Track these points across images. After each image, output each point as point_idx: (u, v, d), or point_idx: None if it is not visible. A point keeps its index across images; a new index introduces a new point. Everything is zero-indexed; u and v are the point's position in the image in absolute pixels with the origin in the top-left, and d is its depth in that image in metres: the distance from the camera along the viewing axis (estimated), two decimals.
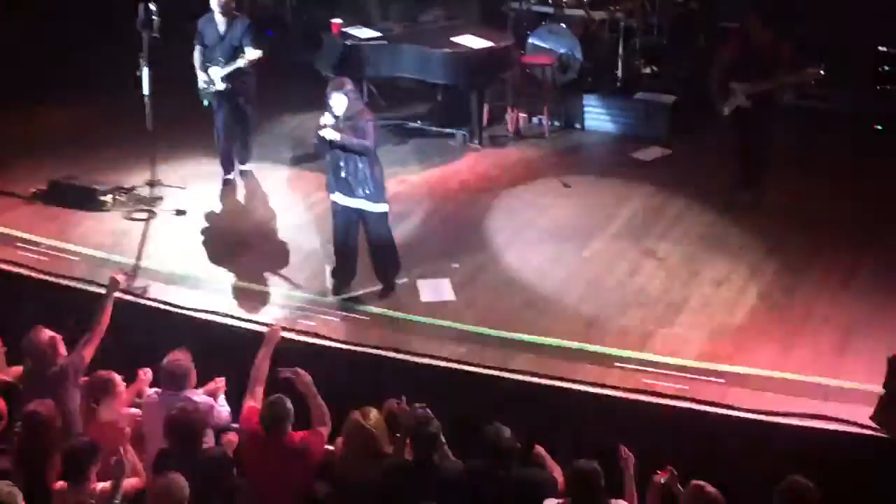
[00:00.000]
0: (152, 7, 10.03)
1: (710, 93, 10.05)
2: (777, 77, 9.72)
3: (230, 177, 10.62)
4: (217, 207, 10.22)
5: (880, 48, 11.96)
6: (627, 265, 9.15)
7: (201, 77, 10.30)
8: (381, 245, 8.58)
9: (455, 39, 11.40)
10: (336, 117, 8.18)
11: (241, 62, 10.15)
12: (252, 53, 10.12)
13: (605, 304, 8.57)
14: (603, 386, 7.52)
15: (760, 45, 9.76)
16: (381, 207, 8.43)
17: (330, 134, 8.14)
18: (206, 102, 10.48)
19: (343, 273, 8.72)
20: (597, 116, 11.90)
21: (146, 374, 7.41)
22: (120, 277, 7.85)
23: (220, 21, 10.23)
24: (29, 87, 12.20)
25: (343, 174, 8.28)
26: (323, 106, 8.28)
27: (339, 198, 8.41)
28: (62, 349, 7.11)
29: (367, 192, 8.31)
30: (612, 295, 8.71)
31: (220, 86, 10.24)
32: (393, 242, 8.67)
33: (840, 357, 7.80)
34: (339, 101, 8.15)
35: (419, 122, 12.00)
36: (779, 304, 8.55)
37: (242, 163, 10.85)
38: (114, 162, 10.93)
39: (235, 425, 7.08)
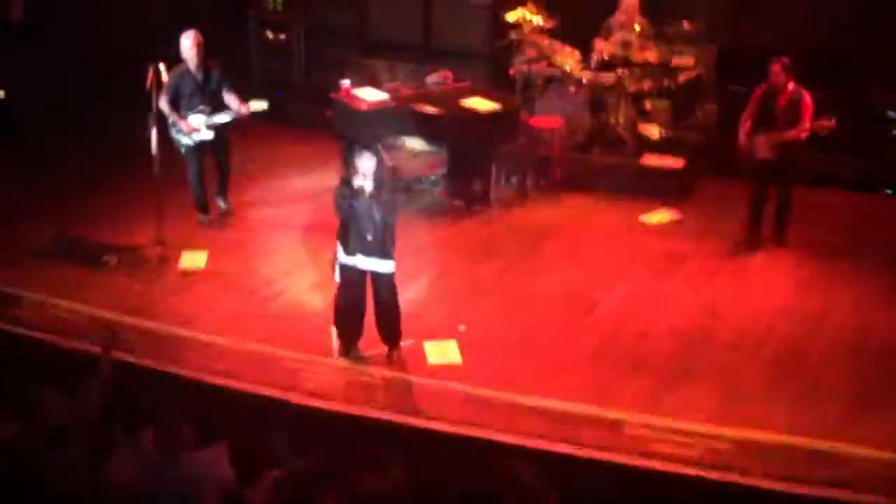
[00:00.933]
0: (162, 68, 10.13)
1: (737, 145, 10.27)
2: (798, 127, 9.85)
3: (206, 219, 10.72)
4: (221, 267, 10.15)
5: (889, 113, 11.95)
6: (636, 328, 9.06)
7: (181, 125, 10.43)
8: (390, 305, 8.53)
9: (463, 102, 11.41)
10: (364, 183, 8.14)
11: (242, 112, 10.37)
12: (256, 104, 10.35)
13: (613, 367, 8.47)
14: (611, 451, 7.39)
15: (782, 93, 9.94)
16: (392, 267, 8.42)
17: (367, 205, 8.12)
18: (182, 150, 10.63)
19: (350, 333, 8.64)
20: (605, 179, 11.86)
21: (149, 433, 7.29)
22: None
23: (196, 71, 10.37)
24: (33, 145, 12.25)
25: (365, 235, 8.25)
26: (341, 166, 8.33)
27: (357, 259, 8.36)
28: (62, 405, 7.00)
29: (383, 252, 8.32)
30: (620, 359, 8.62)
31: (207, 134, 10.41)
32: (398, 304, 8.60)
33: (853, 423, 7.67)
34: (370, 162, 8.13)
35: (427, 183, 11.97)
36: (790, 368, 8.44)
37: (225, 201, 11.16)
38: (120, 220, 10.94)
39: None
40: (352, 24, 13.96)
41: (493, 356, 8.68)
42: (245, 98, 10.59)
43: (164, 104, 10.34)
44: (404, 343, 8.67)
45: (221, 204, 11.20)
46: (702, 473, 7.20)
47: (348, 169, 8.27)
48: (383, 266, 8.36)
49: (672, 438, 7.55)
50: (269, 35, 14.20)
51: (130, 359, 8.40)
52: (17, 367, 8.43)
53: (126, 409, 7.44)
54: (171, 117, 10.45)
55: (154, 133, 10.14)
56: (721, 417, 7.76)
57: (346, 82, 11.98)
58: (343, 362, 8.55)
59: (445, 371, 8.44)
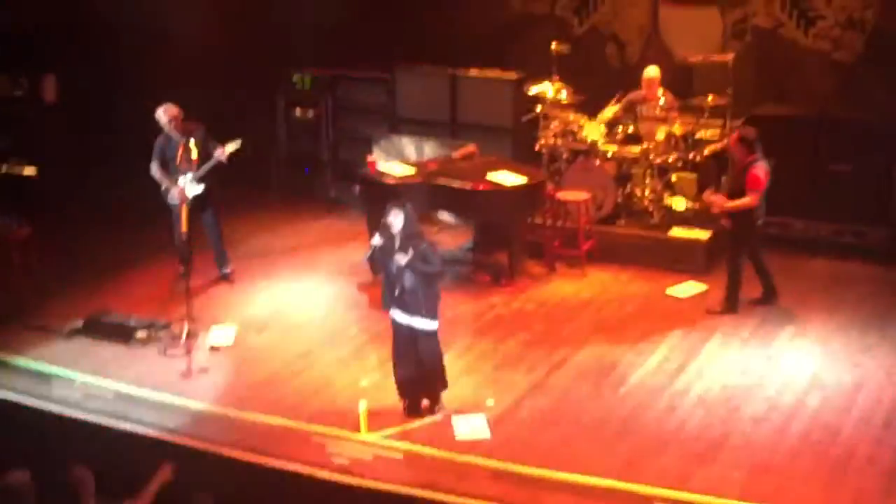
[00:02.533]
0: (191, 143, 10.51)
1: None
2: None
3: (189, 270, 10.81)
4: (250, 342, 10.19)
5: None
6: (665, 402, 9.02)
7: (173, 192, 10.92)
8: (431, 361, 8.69)
9: (490, 176, 11.49)
10: (392, 237, 8.38)
11: (220, 156, 10.82)
12: (231, 146, 10.83)
13: (642, 442, 8.42)
14: None
15: (738, 163, 10.40)
16: (434, 325, 8.59)
17: (402, 260, 8.32)
18: (174, 209, 10.99)
19: (410, 391, 8.79)
20: (632, 252, 11.87)
21: None
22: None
23: (176, 136, 10.86)
24: (64, 221, 12.42)
25: (399, 293, 8.45)
26: (372, 233, 8.59)
27: (395, 313, 8.57)
28: (92, 489, 7.01)
29: (423, 311, 8.48)
30: (649, 432, 8.56)
31: (197, 189, 10.84)
32: (442, 360, 8.78)
33: (886, 499, 7.58)
34: (397, 218, 8.37)
35: (455, 257, 12.02)
36: (821, 442, 8.36)
37: (225, 267, 11.47)
38: (150, 297, 11.07)
39: None
40: (379, 101, 14.13)
41: (521, 430, 8.65)
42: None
43: (154, 170, 10.99)
44: (432, 418, 8.67)
45: (225, 271, 11.48)
46: None
47: (383, 228, 8.51)
48: (419, 323, 8.52)
49: None
50: (298, 112, 14.39)
51: (160, 435, 8.42)
52: (49, 444, 8.50)
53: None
54: (163, 183, 11.01)
55: (184, 212, 10.40)
56: (751, 493, 7.67)
57: (373, 158, 12.10)
58: (371, 438, 8.52)
59: (474, 446, 8.41)
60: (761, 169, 10.26)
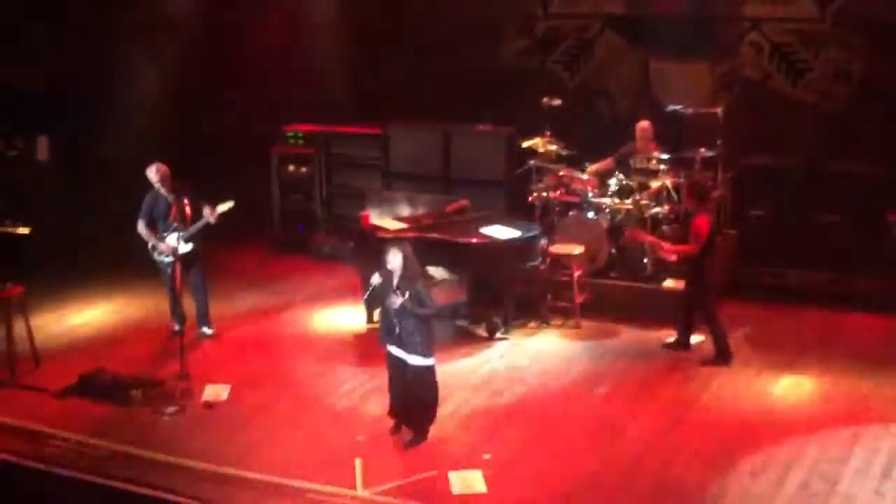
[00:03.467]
0: (185, 202, 10.57)
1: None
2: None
3: (183, 328, 10.98)
4: (243, 399, 10.15)
5: None
6: (662, 455, 8.98)
7: (161, 248, 11.02)
8: (423, 397, 8.92)
9: (483, 230, 11.53)
10: (391, 278, 8.62)
11: (211, 218, 10.91)
12: (222, 206, 10.88)
13: (640, 495, 8.37)
14: None
15: (685, 213, 10.80)
16: (430, 361, 8.85)
17: (397, 301, 8.57)
18: (162, 267, 11.17)
19: (411, 423, 9.07)
20: (626, 304, 11.88)
21: None
22: None
23: (166, 193, 10.96)
24: (56, 280, 12.42)
25: (396, 331, 8.73)
26: (366, 289, 9.02)
27: (394, 350, 8.88)
28: None
29: (418, 348, 8.74)
30: (647, 487, 8.52)
31: (185, 248, 10.91)
32: (436, 396, 9.01)
33: None
34: (395, 258, 8.63)
35: (448, 312, 12.02)
36: (819, 494, 8.32)
37: (207, 326, 11.49)
38: (143, 356, 11.05)
39: None
40: (372, 157, 14.20)
41: (518, 485, 8.59)
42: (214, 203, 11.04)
43: (141, 228, 11.10)
44: (428, 474, 8.62)
45: (206, 331, 11.49)
46: None
47: (382, 268, 8.78)
48: (415, 360, 8.78)
49: None
50: (291, 168, 14.45)
51: (156, 494, 8.36)
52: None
53: None
54: (150, 240, 11.12)
55: (177, 269, 10.48)
56: None
57: (366, 213, 12.14)
58: (367, 494, 8.47)
59: (470, 501, 8.35)
60: (704, 220, 10.43)
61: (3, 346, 10.67)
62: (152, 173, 10.99)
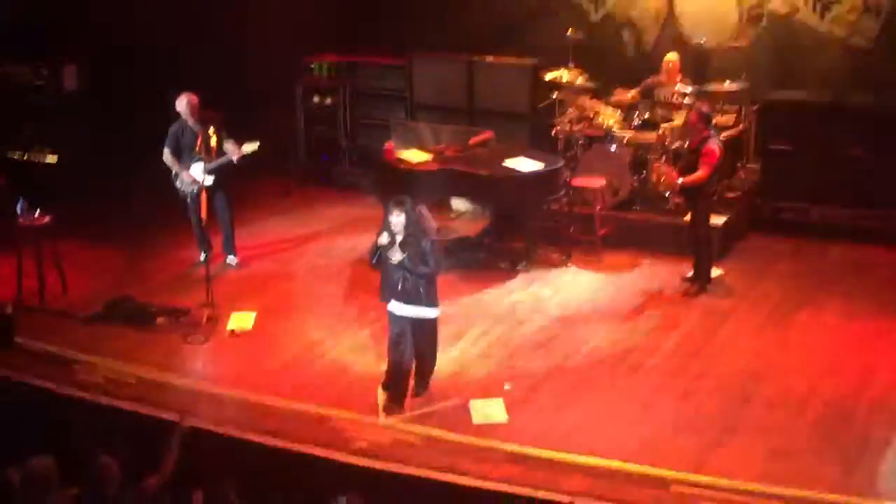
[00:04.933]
0: (210, 132, 10.70)
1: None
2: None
3: (208, 257, 11.14)
4: (268, 328, 10.29)
5: None
6: (681, 386, 9.07)
7: (184, 176, 11.10)
8: (430, 348, 8.78)
9: (506, 163, 11.54)
10: (394, 235, 8.36)
11: (234, 156, 10.93)
12: (248, 146, 10.88)
13: (659, 426, 8.48)
14: None
15: (694, 139, 10.70)
16: (435, 312, 8.69)
17: (396, 257, 8.33)
18: (187, 198, 11.23)
19: (396, 387, 8.75)
20: (647, 237, 11.91)
21: (198, 496, 7.38)
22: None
23: (193, 124, 10.99)
24: (84, 209, 12.55)
25: (400, 287, 8.48)
26: (380, 225, 8.45)
27: (396, 306, 8.58)
28: (117, 474, 7.09)
29: (424, 300, 8.54)
30: (666, 416, 8.63)
31: (208, 180, 10.98)
32: (436, 349, 8.86)
33: None
34: (397, 222, 8.35)
35: (472, 243, 12.09)
36: (836, 426, 8.41)
37: (233, 255, 11.58)
38: (170, 283, 11.20)
39: None
40: (396, 88, 14.18)
41: (538, 415, 8.72)
42: (240, 142, 11.05)
43: (166, 156, 11.15)
44: (451, 402, 8.74)
45: (231, 260, 11.57)
46: None
47: (385, 223, 8.48)
48: (422, 312, 8.58)
49: (718, 496, 7.53)
50: (316, 99, 14.46)
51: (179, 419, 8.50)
52: (72, 429, 8.60)
53: (176, 472, 7.57)
54: (174, 168, 11.18)
55: (203, 198, 10.59)
56: (767, 476, 7.73)
57: (390, 145, 12.16)
58: (388, 421, 8.61)
59: (491, 430, 8.49)
60: (716, 144, 10.52)
61: (32, 272, 10.81)
62: (181, 103, 11.04)
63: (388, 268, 8.51)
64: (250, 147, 10.99)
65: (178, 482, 7.47)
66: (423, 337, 8.70)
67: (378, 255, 8.53)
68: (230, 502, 6.85)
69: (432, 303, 8.61)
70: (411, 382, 8.83)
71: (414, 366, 8.77)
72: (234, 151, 10.97)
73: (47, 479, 6.93)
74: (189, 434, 7.38)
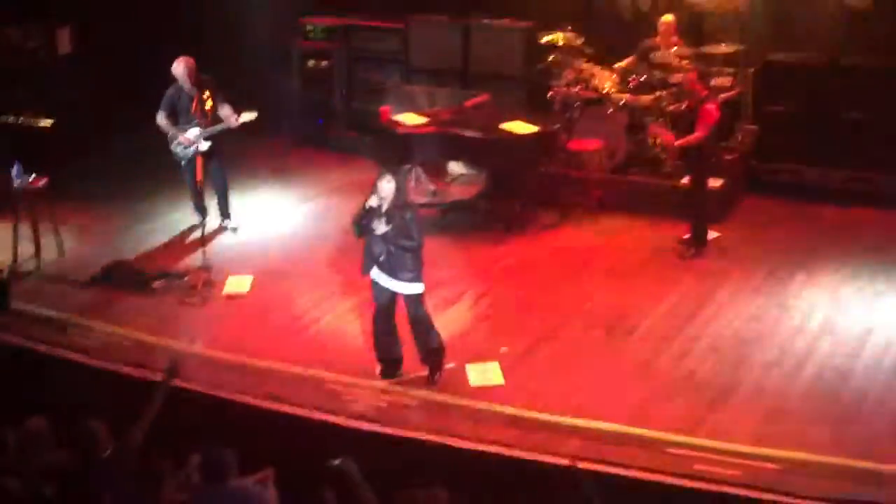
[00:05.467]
0: (206, 96, 10.68)
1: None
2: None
3: (204, 220, 11.10)
4: (264, 291, 10.29)
5: None
6: (676, 348, 9.09)
7: (180, 139, 11.08)
8: (422, 325, 8.60)
9: (502, 125, 11.51)
10: (381, 201, 8.26)
11: (233, 123, 10.97)
12: (246, 116, 10.96)
13: (654, 388, 8.50)
14: (653, 471, 7.42)
15: (691, 100, 10.69)
16: (419, 288, 8.48)
17: (380, 228, 8.24)
18: (182, 162, 11.24)
19: (387, 356, 8.73)
20: (644, 200, 11.89)
21: (195, 459, 7.40)
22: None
23: (189, 88, 10.96)
24: (79, 174, 12.53)
25: (382, 258, 8.36)
26: (370, 191, 8.39)
27: (379, 276, 8.46)
28: (107, 438, 7.09)
29: (407, 275, 8.39)
30: (661, 378, 8.65)
31: (204, 146, 11.01)
32: (432, 324, 8.66)
33: None
34: (387, 189, 8.24)
35: (467, 206, 12.07)
36: (831, 387, 8.44)
37: (228, 217, 11.60)
38: (166, 247, 11.21)
39: None
40: (392, 51, 14.11)
41: (534, 377, 8.74)
42: (238, 110, 11.10)
43: (161, 119, 11.15)
44: (448, 366, 8.74)
45: (227, 224, 11.60)
46: (745, 493, 7.20)
47: (373, 190, 8.35)
48: (405, 288, 8.44)
49: (715, 458, 7.56)
50: (311, 63, 14.38)
51: (176, 383, 8.52)
52: (67, 391, 8.63)
53: (172, 435, 7.59)
54: (170, 132, 11.17)
55: (198, 162, 10.58)
56: (762, 438, 7.77)
57: (386, 108, 12.12)
58: (384, 384, 8.63)
59: (488, 392, 8.51)
60: (713, 105, 10.56)
61: (29, 237, 10.81)
62: (178, 67, 11.02)
63: (372, 239, 8.37)
64: (248, 116, 11.03)
65: (175, 446, 7.51)
66: (411, 314, 8.54)
67: (362, 227, 8.38)
68: (227, 465, 6.85)
69: (416, 279, 8.42)
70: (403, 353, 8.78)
71: (417, 348, 8.68)
72: (232, 119, 10.97)
73: (40, 440, 6.96)
74: (172, 388, 7.36)
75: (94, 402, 7.76)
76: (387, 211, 8.26)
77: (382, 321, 8.61)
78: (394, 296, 8.50)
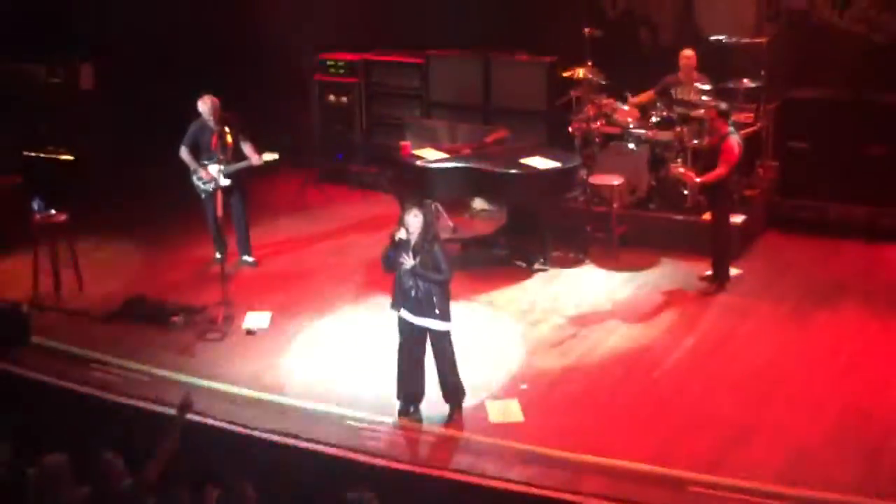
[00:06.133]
0: (226, 130, 10.72)
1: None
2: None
3: (222, 259, 10.98)
4: (284, 327, 10.27)
5: None
6: (698, 386, 9.02)
7: (201, 174, 11.17)
8: (448, 364, 8.54)
9: (523, 160, 11.50)
10: (409, 238, 8.23)
11: (255, 162, 11.07)
12: (269, 156, 11.09)
13: (676, 426, 8.42)
14: None
15: (713, 136, 10.80)
16: (448, 326, 8.44)
17: (408, 263, 8.21)
18: (202, 195, 11.30)
19: (407, 393, 8.68)
20: (665, 236, 11.85)
21: (214, 494, 7.36)
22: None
23: (212, 124, 11.04)
24: (100, 207, 12.58)
25: (413, 294, 8.32)
26: (395, 225, 8.37)
27: (407, 315, 8.43)
28: (123, 473, 7.06)
29: (436, 311, 8.34)
30: (683, 416, 8.57)
31: (224, 182, 11.04)
32: (455, 361, 8.60)
33: None
34: (415, 223, 8.23)
35: (488, 242, 12.04)
36: (856, 425, 8.34)
37: (248, 254, 11.64)
38: (186, 282, 11.23)
39: None
40: (412, 86, 14.15)
41: (555, 414, 8.68)
42: (261, 150, 11.15)
43: (184, 153, 11.23)
44: (465, 403, 8.68)
45: (248, 259, 11.63)
46: None
47: (399, 224, 8.34)
48: (433, 325, 8.39)
49: (736, 497, 7.47)
50: (332, 98, 14.43)
51: (195, 418, 8.50)
52: (87, 427, 8.60)
53: (191, 470, 7.56)
54: (192, 165, 11.24)
55: (219, 197, 10.61)
56: (786, 476, 7.68)
57: (406, 143, 12.14)
58: (404, 422, 8.58)
59: (508, 429, 8.45)
60: (736, 141, 10.52)
61: (48, 271, 10.83)
62: (204, 105, 11.10)
63: (401, 274, 8.35)
64: (270, 156, 11.13)
65: (194, 480, 7.47)
66: (437, 351, 8.49)
67: (390, 262, 8.38)
68: (247, 498, 6.81)
69: (444, 316, 8.37)
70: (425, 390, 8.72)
71: (439, 386, 8.62)
72: (255, 158, 11.06)
73: (60, 477, 6.93)
74: (188, 423, 7.31)
75: (113, 436, 7.72)
76: (414, 246, 8.24)
77: (408, 356, 8.57)
78: (422, 331, 8.46)
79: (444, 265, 8.29)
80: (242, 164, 11.11)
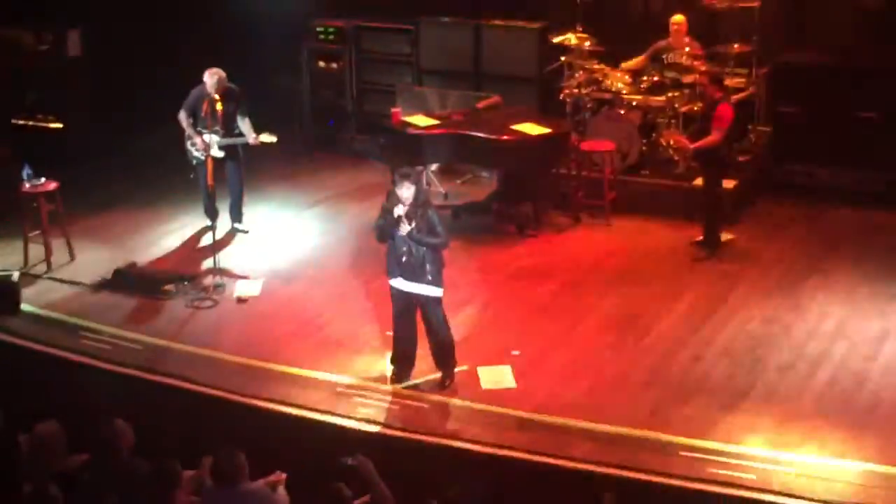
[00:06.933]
0: (216, 97, 10.58)
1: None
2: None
3: (215, 223, 10.93)
4: (275, 294, 10.26)
5: None
6: (689, 351, 9.03)
7: (196, 141, 11.10)
8: (440, 330, 8.55)
9: (514, 127, 11.47)
10: (404, 206, 8.21)
11: (251, 141, 11.02)
12: (265, 137, 10.97)
13: (667, 392, 8.44)
14: (667, 475, 7.37)
15: (705, 101, 10.80)
16: (439, 292, 8.44)
17: (404, 228, 8.19)
18: (194, 162, 11.25)
19: (402, 360, 8.69)
20: (657, 201, 11.83)
21: (207, 462, 7.36)
22: None
23: (214, 96, 10.88)
24: (90, 175, 12.51)
25: (405, 259, 8.31)
26: (385, 192, 8.34)
27: (400, 283, 8.43)
28: (132, 439, 7.07)
29: (429, 277, 8.34)
30: (674, 382, 8.59)
31: (218, 154, 10.99)
32: (448, 327, 8.61)
33: None
34: (407, 190, 8.21)
35: (480, 207, 12.03)
36: (846, 391, 8.37)
37: (240, 222, 11.61)
38: (178, 251, 11.21)
39: None
40: (403, 53, 14.07)
41: (547, 380, 8.69)
42: (259, 130, 11.08)
43: (182, 118, 11.13)
44: (458, 368, 8.70)
45: (239, 226, 11.61)
46: (759, 497, 7.15)
47: (391, 196, 8.33)
48: (425, 290, 8.39)
49: (728, 462, 7.50)
50: (322, 65, 14.35)
51: (188, 386, 8.52)
52: (78, 395, 8.61)
53: (185, 438, 7.58)
54: (188, 131, 11.16)
55: (209, 165, 10.54)
56: (776, 441, 7.70)
57: (397, 110, 12.08)
58: (397, 388, 8.59)
59: (500, 396, 8.46)
60: (728, 106, 10.53)
61: (39, 239, 10.80)
62: (210, 77, 10.94)
63: (396, 241, 8.34)
64: (268, 138, 11.04)
65: (186, 449, 7.48)
66: (429, 317, 8.49)
67: (384, 232, 8.34)
68: (239, 467, 6.81)
69: (436, 282, 8.37)
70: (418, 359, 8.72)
71: (431, 353, 8.63)
72: (251, 137, 11.01)
73: (53, 445, 6.93)
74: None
75: (106, 405, 7.72)
76: (407, 212, 8.23)
77: (403, 323, 8.59)
78: (413, 298, 8.45)
79: (440, 228, 8.30)
80: (239, 141, 11.06)
